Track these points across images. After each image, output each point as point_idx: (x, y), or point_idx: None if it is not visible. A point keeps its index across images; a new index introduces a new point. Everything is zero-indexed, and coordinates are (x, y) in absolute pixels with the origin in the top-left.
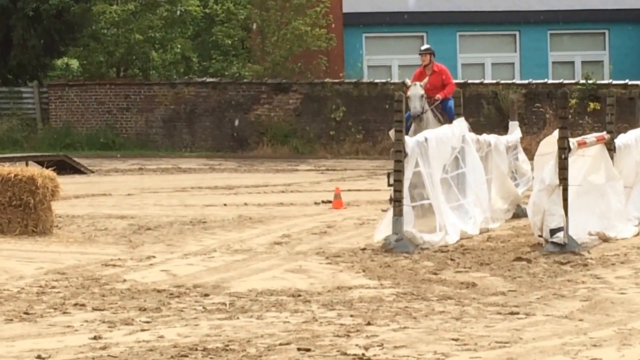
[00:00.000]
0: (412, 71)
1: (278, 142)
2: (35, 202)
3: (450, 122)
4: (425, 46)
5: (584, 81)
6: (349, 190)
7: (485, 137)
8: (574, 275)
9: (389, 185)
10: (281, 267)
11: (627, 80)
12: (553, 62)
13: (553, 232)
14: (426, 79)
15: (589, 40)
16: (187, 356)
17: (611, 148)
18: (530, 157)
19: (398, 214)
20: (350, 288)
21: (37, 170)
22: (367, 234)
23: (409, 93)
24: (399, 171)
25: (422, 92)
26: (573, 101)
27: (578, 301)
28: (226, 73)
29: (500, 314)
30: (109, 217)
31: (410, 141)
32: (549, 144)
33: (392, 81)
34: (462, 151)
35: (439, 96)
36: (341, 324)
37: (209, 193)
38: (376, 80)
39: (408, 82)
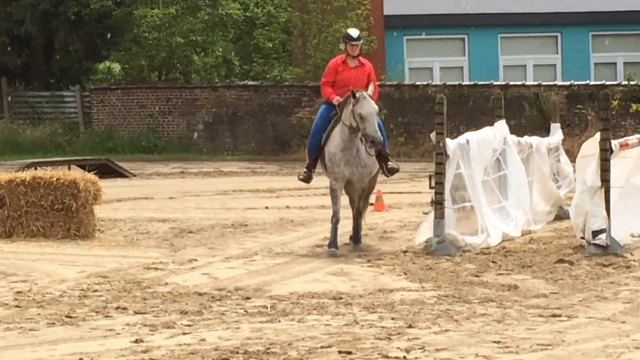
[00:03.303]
0: (453, 74)
1: None
2: (77, 206)
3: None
4: (357, 33)
5: (626, 82)
6: (391, 192)
7: (526, 139)
8: (616, 277)
9: (431, 187)
10: (323, 269)
11: None
12: (595, 64)
13: (595, 233)
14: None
15: (631, 42)
16: (228, 359)
17: None
18: (572, 159)
19: (439, 216)
20: (391, 291)
21: (79, 174)
22: (409, 237)
23: (361, 111)
24: (440, 173)
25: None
26: (615, 102)
27: (620, 303)
28: (267, 76)
29: (542, 316)
30: (150, 221)
31: (451, 143)
32: (591, 146)
33: (433, 83)
34: (504, 153)
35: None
36: (382, 327)
37: (250, 196)
38: (417, 83)
39: (360, 94)
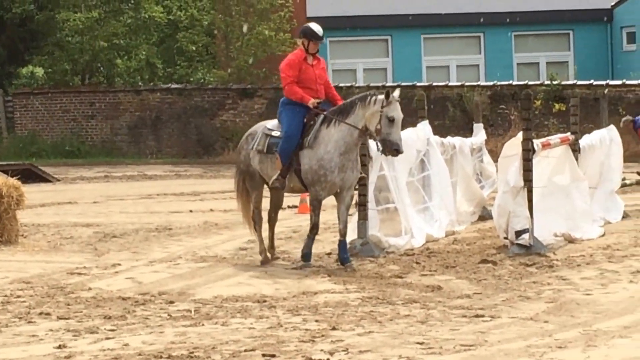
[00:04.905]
0: (377, 75)
1: None
2: (0, 212)
3: None
4: (321, 30)
5: (548, 82)
6: None
7: (450, 139)
8: (539, 276)
9: (354, 189)
10: (247, 273)
11: (591, 81)
12: (518, 64)
13: (518, 233)
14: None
15: (553, 41)
16: None
17: (575, 149)
18: (496, 159)
19: (363, 217)
20: (315, 293)
21: (1, 179)
22: (333, 239)
23: (394, 114)
24: (363, 175)
25: None
26: (538, 102)
27: (543, 303)
28: (191, 79)
29: (465, 316)
30: (74, 226)
31: (374, 145)
32: (513, 145)
33: (357, 85)
34: (427, 154)
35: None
36: (306, 329)
37: (174, 200)
38: (341, 84)
39: (392, 96)
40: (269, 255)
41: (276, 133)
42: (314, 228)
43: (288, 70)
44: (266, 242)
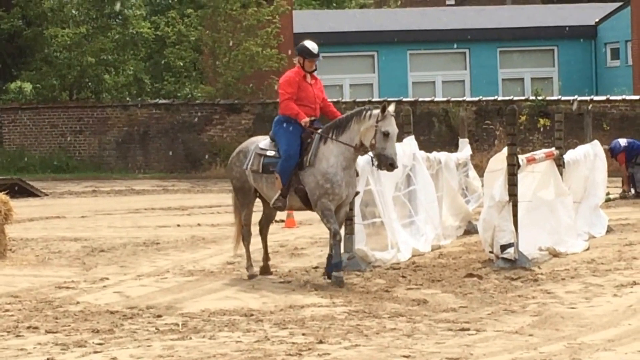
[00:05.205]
0: (363, 90)
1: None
2: None
3: None
4: (317, 48)
5: (533, 97)
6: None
7: (435, 154)
8: (524, 290)
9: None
10: (234, 287)
11: (576, 96)
12: (503, 79)
13: (503, 248)
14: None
15: (538, 57)
16: None
17: (560, 164)
18: (481, 174)
19: (349, 232)
20: (302, 307)
21: None
22: (320, 253)
23: (389, 128)
24: (358, 191)
25: None
26: (523, 117)
27: (528, 316)
28: (178, 94)
29: (451, 330)
30: (62, 240)
31: (360, 160)
32: (499, 160)
33: (343, 100)
34: (413, 169)
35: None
36: (293, 343)
37: (162, 214)
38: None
39: (388, 111)
40: (256, 270)
41: (270, 152)
42: (336, 234)
43: (287, 87)
44: (254, 254)
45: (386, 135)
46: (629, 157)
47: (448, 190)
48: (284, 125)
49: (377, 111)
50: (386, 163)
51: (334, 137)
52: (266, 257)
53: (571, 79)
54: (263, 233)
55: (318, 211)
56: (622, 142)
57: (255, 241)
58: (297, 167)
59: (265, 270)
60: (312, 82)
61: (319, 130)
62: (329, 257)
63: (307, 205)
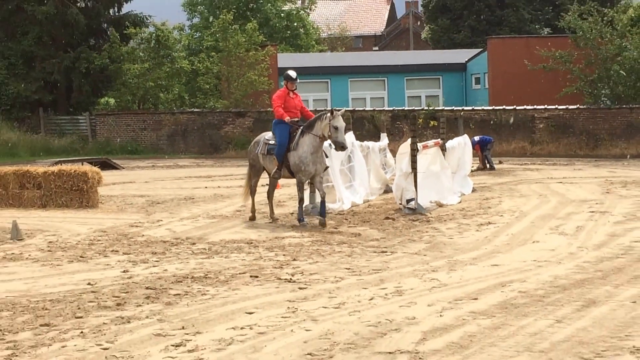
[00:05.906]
0: (321, 104)
1: (239, 148)
2: (87, 187)
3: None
4: (295, 74)
5: (427, 108)
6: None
7: (366, 143)
8: (420, 227)
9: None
10: (240, 225)
11: (452, 107)
12: (408, 97)
13: (408, 201)
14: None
15: (429, 83)
16: (181, 282)
17: (443, 149)
18: (394, 155)
19: (312, 191)
20: (283, 237)
21: (88, 167)
22: (295, 204)
23: (337, 124)
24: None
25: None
26: (420, 120)
27: (423, 243)
28: (206, 106)
29: (375, 252)
30: (133, 196)
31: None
32: (405, 146)
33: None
34: (352, 152)
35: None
36: (277, 260)
37: (196, 180)
38: None
39: (336, 112)
40: (256, 215)
41: (272, 142)
42: (301, 201)
43: (277, 100)
44: (259, 207)
45: (336, 128)
46: (482, 146)
47: (373, 166)
48: (279, 124)
49: (329, 114)
50: (338, 146)
51: (307, 131)
52: (272, 211)
53: (450, 97)
54: (270, 197)
55: (297, 182)
56: (477, 138)
57: (261, 199)
58: (286, 151)
59: (273, 219)
60: (294, 96)
61: (301, 127)
62: (300, 209)
63: (293, 175)
